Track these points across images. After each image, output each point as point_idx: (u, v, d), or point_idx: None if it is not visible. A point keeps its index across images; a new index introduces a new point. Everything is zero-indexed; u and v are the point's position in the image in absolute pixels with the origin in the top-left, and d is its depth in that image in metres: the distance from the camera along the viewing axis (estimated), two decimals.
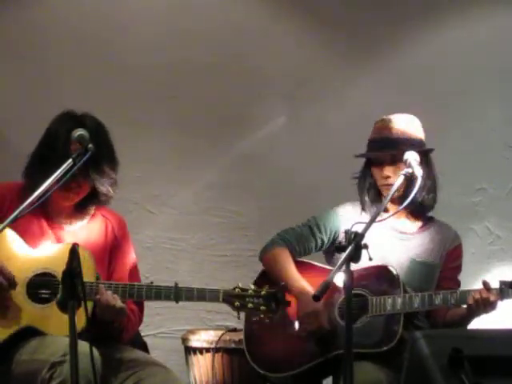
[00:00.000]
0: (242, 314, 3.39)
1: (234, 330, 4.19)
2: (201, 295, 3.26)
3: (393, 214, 3.41)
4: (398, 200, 3.51)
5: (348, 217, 3.68)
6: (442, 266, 3.67)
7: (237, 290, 3.26)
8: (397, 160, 3.57)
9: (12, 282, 3.15)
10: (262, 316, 3.29)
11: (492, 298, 3.41)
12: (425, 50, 5.04)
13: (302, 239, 3.70)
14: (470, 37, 5.03)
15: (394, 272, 3.52)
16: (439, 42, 5.05)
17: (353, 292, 3.36)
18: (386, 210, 3.58)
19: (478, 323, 3.58)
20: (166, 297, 3.24)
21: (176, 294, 3.23)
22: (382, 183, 3.64)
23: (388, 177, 3.60)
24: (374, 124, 3.72)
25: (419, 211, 3.68)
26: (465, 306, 3.50)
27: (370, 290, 3.49)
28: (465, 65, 5.02)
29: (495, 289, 3.44)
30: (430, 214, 3.75)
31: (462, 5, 5.06)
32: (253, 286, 3.29)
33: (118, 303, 3.16)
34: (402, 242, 3.66)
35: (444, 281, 3.67)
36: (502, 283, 3.46)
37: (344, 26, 5.03)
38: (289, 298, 3.49)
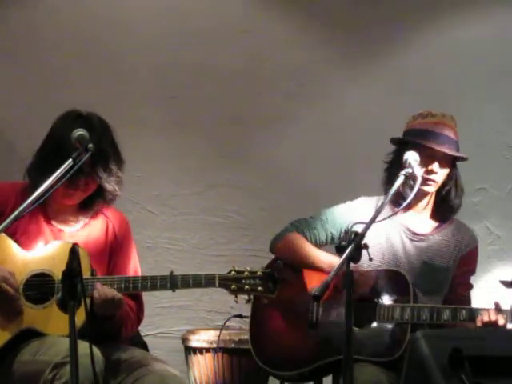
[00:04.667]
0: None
1: (240, 315, 4.15)
2: (197, 281, 3.22)
3: (393, 215, 3.40)
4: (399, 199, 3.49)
5: (361, 211, 3.61)
6: (456, 271, 3.62)
7: (232, 273, 3.22)
8: (447, 160, 3.60)
9: (17, 291, 3.15)
10: (260, 297, 3.25)
11: (501, 321, 3.35)
12: (424, 50, 5.04)
13: (314, 231, 3.68)
14: (469, 37, 5.02)
15: (406, 278, 3.48)
16: (439, 42, 5.04)
17: (363, 295, 3.38)
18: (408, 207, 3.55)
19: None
20: (162, 286, 3.21)
21: (172, 282, 3.21)
22: (425, 176, 3.51)
23: (435, 173, 3.56)
24: (418, 115, 3.67)
25: (443, 213, 3.66)
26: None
27: (379, 294, 3.47)
28: (465, 65, 5.02)
29: (506, 311, 3.38)
30: None
31: (462, 5, 5.06)
32: (249, 268, 3.25)
33: (116, 295, 3.16)
34: (415, 243, 3.62)
35: (457, 286, 3.63)
36: (503, 283, 3.45)
37: (344, 26, 5.03)
38: (302, 284, 3.50)
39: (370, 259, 2.97)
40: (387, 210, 3.48)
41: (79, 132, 3.07)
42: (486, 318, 3.36)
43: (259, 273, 3.23)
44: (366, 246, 2.78)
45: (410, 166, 3.29)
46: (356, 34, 5.03)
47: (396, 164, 3.57)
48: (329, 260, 3.54)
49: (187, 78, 4.98)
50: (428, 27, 5.06)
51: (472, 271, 3.69)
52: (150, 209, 4.97)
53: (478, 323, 3.38)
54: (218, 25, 5.02)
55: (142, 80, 4.96)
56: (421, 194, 3.54)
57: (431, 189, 3.60)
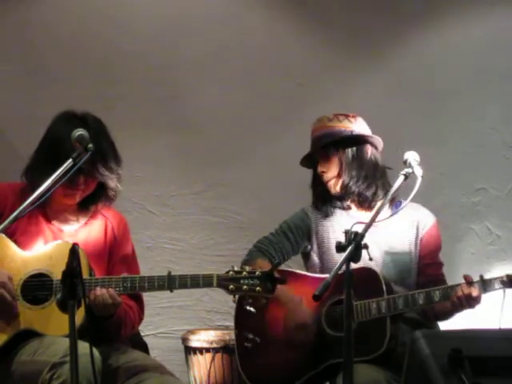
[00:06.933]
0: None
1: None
2: (194, 282, 3.21)
3: (390, 216, 3.40)
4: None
5: (316, 214, 3.74)
6: (420, 253, 3.64)
7: (231, 273, 3.21)
8: (327, 155, 3.68)
9: (14, 297, 3.16)
10: (258, 297, 3.23)
11: (474, 293, 3.39)
12: (425, 50, 5.05)
13: (279, 245, 3.72)
14: (469, 37, 5.03)
15: (375, 272, 3.49)
16: (439, 42, 5.05)
17: (337, 298, 3.40)
18: (348, 207, 3.68)
19: (478, 323, 3.58)
20: (160, 286, 3.20)
21: (169, 282, 3.20)
22: (323, 181, 3.72)
23: (323, 172, 3.70)
24: None
25: (362, 202, 3.67)
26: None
27: (353, 294, 3.46)
28: (465, 65, 5.03)
29: (477, 282, 3.42)
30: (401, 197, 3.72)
31: (462, 5, 5.06)
32: (247, 268, 3.24)
33: (113, 297, 3.16)
34: (371, 234, 3.59)
35: (425, 268, 3.65)
36: (502, 283, 3.44)
37: (344, 26, 5.03)
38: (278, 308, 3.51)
39: (370, 259, 2.98)
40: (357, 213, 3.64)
41: (79, 132, 3.07)
42: (459, 293, 3.40)
43: (257, 273, 3.22)
44: (365, 246, 2.78)
45: (410, 165, 3.29)
46: (356, 35, 5.03)
47: (312, 182, 3.78)
48: (289, 295, 3.55)
49: (187, 78, 4.99)
50: (428, 27, 5.06)
51: (437, 249, 3.70)
52: (149, 209, 4.97)
53: (453, 299, 3.41)
54: (218, 25, 5.02)
55: (141, 80, 4.96)
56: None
57: (330, 186, 3.70)
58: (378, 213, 3.04)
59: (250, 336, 3.55)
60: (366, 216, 3.61)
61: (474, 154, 4.99)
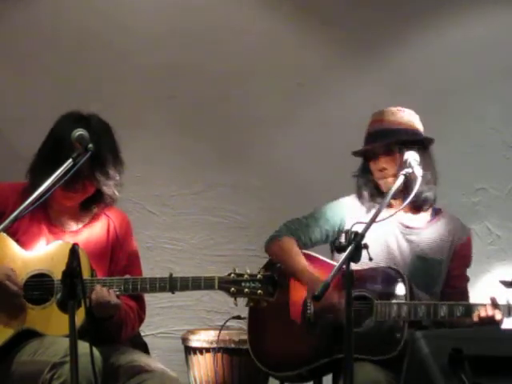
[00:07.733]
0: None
1: (239, 317, 4.16)
2: (196, 284, 3.22)
3: (394, 214, 3.40)
4: (401, 196, 3.47)
5: (353, 208, 3.67)
6: (451, 264, 3.62)
7: (232, 275, 3.22)
8: (391, 150, 3.58)
9: (20, 287, 3.16)
10: (259, 300, 3.24)
11: (498, 316, 3.37)
12: (425, 50, 5.05)
13: (308, 230, 3.68)
14: (469, 37, 5.03)
15: (403, 275, 3.48)
16: (439, 42, 5.05)
17: (359, 294, 3.39)
18: (390, 206, 3.56)
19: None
20: (161, 288, 3.21)
21: (171, 284, 3.21)
22: (379, 176, 3.62)
23: (384, 169, 3.59)
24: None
25: (421, 205, 3.63)
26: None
27: (376, 292, 3.46)
28: (465, 65, 5.03)
29: (502, 306, 3.40)
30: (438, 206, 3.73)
31: (462, 5, 5.06)
32: (249, 271, 3.24)
33: (113, 299, 3.16)
34: (408, 237, 3.62)
35: (452, 279, 3.63)
36: (502, 283, 3.45)
37: (344, 26, 5.03)
38: (298, 286, 3.51)
39: (370, 259, 2.97)
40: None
41: (79, 132, 3.06)
42: (482, 314, 3.37)
43: (259, 276, 3.22)
44: (365, 246, 2.78)
45: (410, 165, 3.29)
46: (356, 34, 5.03)
47: (360, 173, 3.69)
48: (312, 277, 3.52)
49: (187, 78, 4.98)
50: (428, 27, 5.06)
51: (467, 263, 3.69)
52: (149, 209, 4.97)
53: (475, 318, 3.39)
54: (217, 25, 5.02)
55: (142, 80, 4.96)
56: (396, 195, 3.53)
57: (386, 183, 3.59)
58: (378, 212, 3.02)
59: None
60: (409, 218, 3.62)
61: (474, 154, 4.99)
